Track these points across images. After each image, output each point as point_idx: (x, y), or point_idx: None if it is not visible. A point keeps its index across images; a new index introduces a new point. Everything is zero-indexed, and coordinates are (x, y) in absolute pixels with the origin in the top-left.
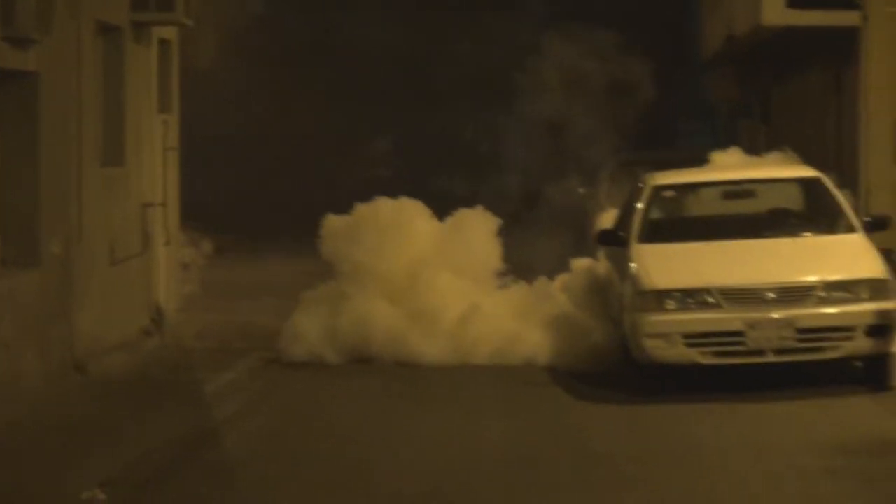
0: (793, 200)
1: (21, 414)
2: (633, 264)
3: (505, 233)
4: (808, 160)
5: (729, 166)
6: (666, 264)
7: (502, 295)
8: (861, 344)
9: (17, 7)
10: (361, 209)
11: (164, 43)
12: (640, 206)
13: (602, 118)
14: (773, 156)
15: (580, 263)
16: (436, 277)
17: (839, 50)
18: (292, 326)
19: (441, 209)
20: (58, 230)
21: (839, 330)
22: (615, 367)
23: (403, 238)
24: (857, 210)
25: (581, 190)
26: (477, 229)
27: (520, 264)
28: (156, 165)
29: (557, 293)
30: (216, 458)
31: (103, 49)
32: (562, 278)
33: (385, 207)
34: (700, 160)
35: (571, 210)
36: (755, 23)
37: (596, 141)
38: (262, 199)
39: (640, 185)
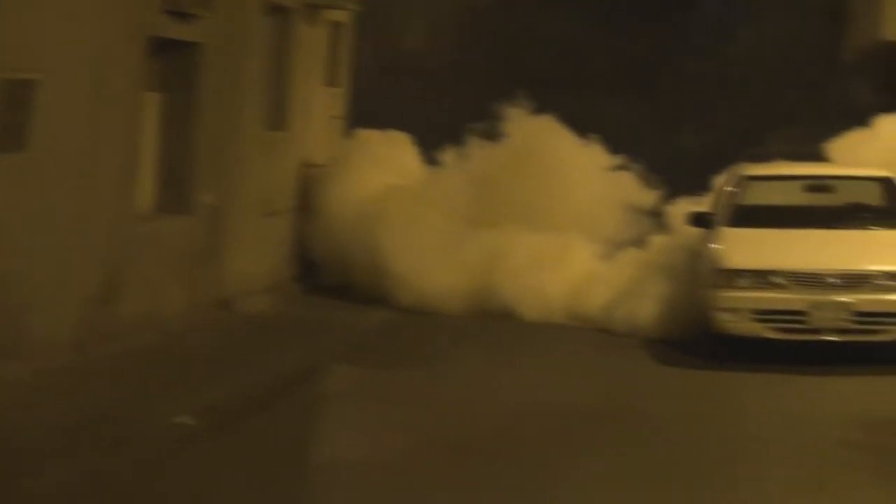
0: (871, 197)
1: (154, 343)
2: (715, 244)
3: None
4: None
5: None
6: (743, 246)
7: (617, 261)
8: None
9: None
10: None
11: (336, 25)
12: (729, 192)
13: (755, 112)
14: None
15: (658, 240)
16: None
17: None
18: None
19: None
20: (212, 183)
21: (893, 315)
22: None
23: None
24: None
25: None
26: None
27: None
28: (319, 132)
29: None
30: (309, 394)
31: (272, 27)
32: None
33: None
34: (818, 156)
35: None
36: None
37: (749, 131)
38: None
39: (734, 174)
